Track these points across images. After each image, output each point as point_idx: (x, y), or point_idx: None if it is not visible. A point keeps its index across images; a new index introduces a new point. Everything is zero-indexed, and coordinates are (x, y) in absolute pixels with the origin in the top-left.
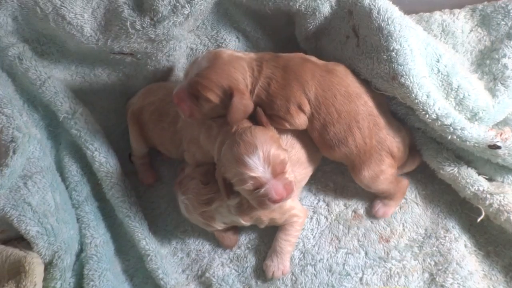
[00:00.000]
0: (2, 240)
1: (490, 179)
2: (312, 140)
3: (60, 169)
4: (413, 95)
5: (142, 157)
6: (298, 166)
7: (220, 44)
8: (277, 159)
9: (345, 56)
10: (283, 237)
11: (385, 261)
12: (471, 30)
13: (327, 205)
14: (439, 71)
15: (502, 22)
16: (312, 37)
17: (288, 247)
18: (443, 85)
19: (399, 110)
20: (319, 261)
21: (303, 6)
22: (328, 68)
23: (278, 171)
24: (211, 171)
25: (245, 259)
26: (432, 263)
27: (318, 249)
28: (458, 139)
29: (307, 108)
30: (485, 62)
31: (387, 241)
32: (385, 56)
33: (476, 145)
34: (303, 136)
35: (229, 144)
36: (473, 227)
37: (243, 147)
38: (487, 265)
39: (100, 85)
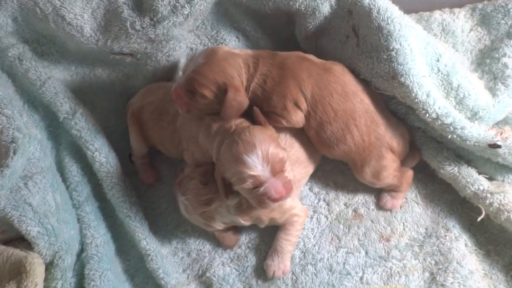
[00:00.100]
0: (3, 240)
1: (490, 178)
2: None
3: (61, 169)
4: (413, 95)
5: (142, 157)
6: (298, 165)
7: (220, 44)
8: (276, 158)
9: (345, 56)
10: (283, 236)
11: (385, 260)
12: (471, 29)
13: (328, 204)
14: (439, 70)
15: (502, 21)
16: (312, 37)
17: (289, 246)
18: (443, 84)
19: (399, 110)
20: (320, 260)
21: (303, 5)
22: (325, 67)
23: (277, 170)
24: (210, 171)
25: (245, 258)
26: (433, 262)
27: (319, 248)
28: (458, 138)
29: (303, 105)
30: (485, 61)
31: (388, 240)
32: (385, 56)
33: (476, 144)
34: (302, 135)
35: (228, 143)
36: (474, 226)
37: (241, 146)
38: (488, 264)
39: (100, 85)
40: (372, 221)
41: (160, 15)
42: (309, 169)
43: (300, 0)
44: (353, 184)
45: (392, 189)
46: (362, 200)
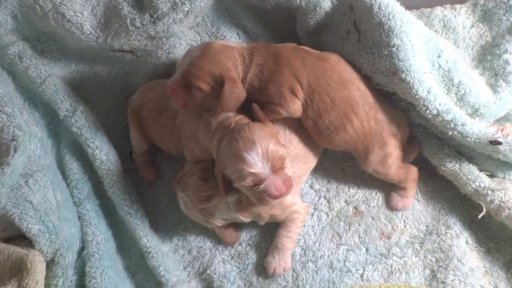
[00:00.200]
0: (4, 238)
1: (491, 176)
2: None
3: (61, 167)
4: (413, 91)
5: (142, 154)
6: (297, 162)
7: None
8: (275, 155)
9: (345, 51)
10: (284, 233)
11: (386, 258)
12: (472, 26)
13: (328, 201)
14: (440, 66)
15: (504, 18)
16: (313, 33)
17: (290, 243)
18: (444, 80)
19: (400, 106)
20: (320, 257)
21: (303, 1)
22: (320, 56)
23: (277, 167)
24: (210, 167)
25: (246, 256)
26: (433, 259)
27: (319, 245)
28: (459, 135)
29: (300, 93)
30: (486, 57)
31: (388, 237)
32: (386, 52)
33: (477, 141)
34: (302, 131)
35: (228, 140)
36: (474, 224)
37: (241, 143)
38: (488, 261)
39: (100, 82)
40: (372, 218)
41: (160, 12)
42: (310, 165)
43: None
44: (353, 181)
45: (400, 188)
46: (362, 198)
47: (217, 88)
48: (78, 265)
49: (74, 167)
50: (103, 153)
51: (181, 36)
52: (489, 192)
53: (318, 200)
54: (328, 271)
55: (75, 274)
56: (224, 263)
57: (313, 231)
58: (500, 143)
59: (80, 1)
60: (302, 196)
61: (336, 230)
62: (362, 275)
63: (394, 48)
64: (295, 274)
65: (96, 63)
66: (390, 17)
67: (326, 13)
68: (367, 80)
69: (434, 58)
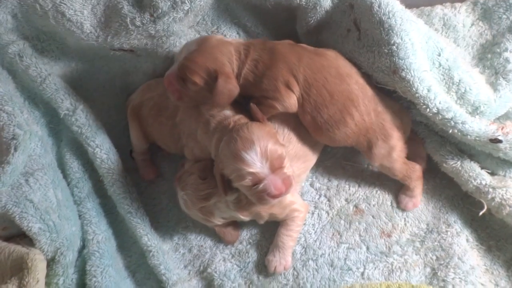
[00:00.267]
0: (5, 237)
1: (492, 173)
2: (308, 131)
3: (62, 166)
4: (413, 89)
5: (142, 153)
6: (297, 161)
7: None
8: (274, 154)
9: (345, 50)
10: (284, 232)
11: (386, 256)
12: (472, 24)
13: (329, 200)
14: (440, 65)
15: (504, 16)
16: (313, 31)
17: (290, 242)
18: (444, 79)
19: (400, 104)
20: (321, 256)
21: (304, 0)
22: (317, 52)
23: (276, 166)
24: (209, 166)
25: (246, 254)
26: (434, 257)
27: (320, 244)
28: (459, 133)
29: (295, 88)
30: (486, 56)
31: (389, 236)
32: (386, 50)
33: (477, 139)
34: (300, 130)
35: (227, 140)
36: (475, 222)
37: (240, 143)
38: (489, 259)
39: (101, 81)
40: (373, 216)
41: (160, 11)
42: (309, 163)
43: None
44: (354, 179)
45: (406, 188)
46: (363, 196)
47: (211, 82)
48: (79, 263)
49: (74, 165)
50: (103, 152)
51: (181, 35)
52: (490, 189)
53: (318, 199)
54: (329, 270)
55: (75, 272)
56: (225, 261)
57: (313, 229)
58: (500, 141)
59: (80, 0)
60: (303, 194)
61: (336, 228)
62: (362, 274)
63: (394, 47)
64: (295, 273)
65: (96, 62)
66: (390, 15)
67: (326, 11)
68: (366, 75)
69: (434, 56)
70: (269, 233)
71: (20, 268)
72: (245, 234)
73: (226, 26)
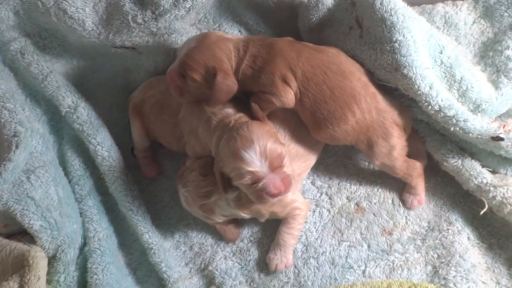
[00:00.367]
0: (6, 234)
1: (493, 172)
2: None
3: (63, 163)
4: (415, 86)
5: (144, 151)
6: (297, 160)
7: None
8: (274, 153)
9: (347, 47)
10: (285, 230)
11: (388, 254)
12: (474, 22)
13: (330, 198)
14: (442, 62)
15: (506, 14)
16: (315, 29)
17: (291, 240)
18: (446, 76)
19: (402, 102)
20: (322, 254)
21: None
22: (317, 48)
23: (275, 165)
24: (210, 163)
25: (248, 252)
26: (435, 255)
27: (321, 242)
28: (461, 131)
29: (293, 83)
30: (488, 54)
31: (390, 234)
32: (388, 47)
33: (479, 136)
34: (301, 129)
35: (226, 138)
36: (476, 220)
37: (239, 142)
38: (490, 257)
39: (102, 79)
40: (374, 214)
41: (162, 8)
42: (310, 162)
43: None
44: (355, 177)
45: (409, 187)
46: (364, 194)
47: (210, 79)
48: (80, 261)
49: (75, 163)
50: (104, 149)
51: (183, 33)
52: (491, 188)
53: (319, 197)
54: (330, 268)
55: (76, 270)
56: (226, 259)
57: (314, 227)
58: (502, 139)
59: None
60: (304, 192)
61: (337, 226)
62: (364, 272)
63: (396, 44)
64: (296, 271)
65: (98, 60)
66: (392, 12)
67: (328, 9)
68: (368, 72)
69: (436, 54)
70: (270, 231)
71: (21, 266)
72: (246, 232)
73: (228, 24)
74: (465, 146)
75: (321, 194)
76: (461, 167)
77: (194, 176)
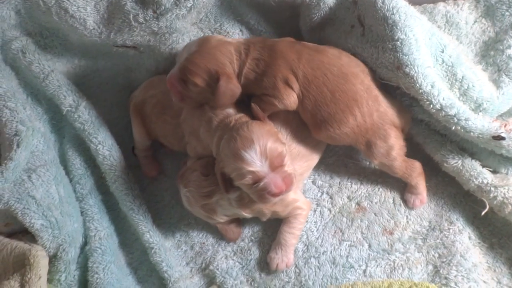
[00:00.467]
0: (7, 233)
1: (494, 171)
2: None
3: (64, 162)
4: (417, 85)
5: (145, 150)
6: (300, 159)
7: None
8: (274, 153)
9: (348, 45)
10: (287, 229)
11: (388, 254)
12: (475, 21)
13: (331, 197)
14: (443, 61)
15: (507, 13)
16: (316, 28)
17: (292, 239)
18: (447, 75)
19: (403, 101)
20: (323, 253)
21: None
22: (318, 49)
23: (276, 165)
24: (211, 162)
25: (248, 251)
26: (436, 255)
27: (322, 241)
28: (462, 130)
29: (295, 85)
30: (489, 53)
31: (391, 233)
32: (390, 45)
33: (480, 136)
34: (304, 129)
35: (227, 139)
36: (477, 219)
37: (240, 142)
38: (491, 257)
39: (103, 78)
40: (375, 214)
41: (163, 7)
42: (312, 162)
43: None
44: (356, 177)
45: (410, 187)
46: (365, 193)
47: (212, 83)
48: (81, 260)
49: (76, 162)
50: (105, 148)
51: (184, 32)
52: (492, 188)
53: (320, 196)
54: (331, 267)
55: (77, 269)
56: (227, 258)
57: (315, 227)
58: (503, 138)
59: None
60: (305, 192)
61: (338, 226)
62: (364, 271)
63: (398, 42)
64: (297, 270)
65: (99, 59)
66: (394, 11)
67: (330, 8)
68: (371, 72)
69: (438, 53)
70: (271, 230)
71: (22, 264)
72: (247, 232)
73: (229, 24)
74: (466, 146)
75: (322, 193)
76: (461, 167)
77: (195, 176)
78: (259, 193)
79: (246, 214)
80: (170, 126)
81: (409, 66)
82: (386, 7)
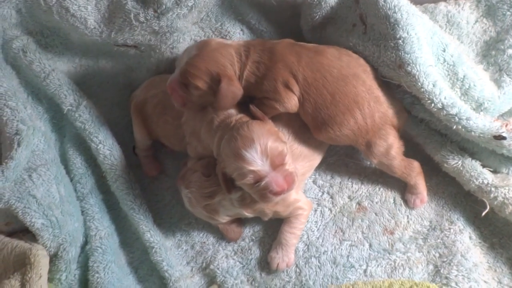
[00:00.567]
0: (8, 232)
1: (494, 171)
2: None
3: (65, 161)
4: (419, 84)
5: (145, 150)
6: (302, 160)
7: (224, 37)
8: (275, 151)
9: (350, 44)
10: (288, 229)
11: (389, 253)
12: (476, 21)
13: (331, 197)
14: (445, 60)
15: (508, 13)
16: (317, 27)
17: (293, 239)
18: (449, 74)
19: (405, 99)
20: (323, 253)
21: None
22: (317, 50)
23: (277, 163)
24: (212, 163)
25: (249, 251)
26: (437, 255)
27: (322, 241)
28: (463, 129)
29: (295, 88)
30: (490, 53)
31: (392, 233)
32: (392, 44)
33: (481, 135)
34: (305, 129)
35: (227, 139)
36: (478, 219)
37: (240, 141)
38: (492, 257)
39: (104, 77)
40: (376, 214)
41: (164, 6)
42: (314, 162)
43: None
44: (357, 177)
45: (410, 187)
46: (366, 193)
47: (214, 86)
48: (81, 259)
49: (77, 161)
50: (106, 147)
51: (185, 32)
52: (493, 189)
53: (321, 196)
54: (332, 267)
55: (78, 268)
56: (227, 258)
57: (316, 226)
58: (504, 138)
59: None
60: (305, 191)
61: (339, 225)
62: (365, 271)
63: (400, 41)
64: (298, 270)
65: (100, 58)
66: (396, 9)
67: (331, 7)
68: (373, 69)
69: (439, 52)
70: (272, 230)
71: (23, 264)
72: (248, 231)
73: (230, 23)
74: (466, 146)
75: (323, 193)
76: (461, 168)
77: (197, 176)
78: (261, 192)
79: (248, 214)
80: (171, 126)
81: (411, 64)
82: (388, 6)
